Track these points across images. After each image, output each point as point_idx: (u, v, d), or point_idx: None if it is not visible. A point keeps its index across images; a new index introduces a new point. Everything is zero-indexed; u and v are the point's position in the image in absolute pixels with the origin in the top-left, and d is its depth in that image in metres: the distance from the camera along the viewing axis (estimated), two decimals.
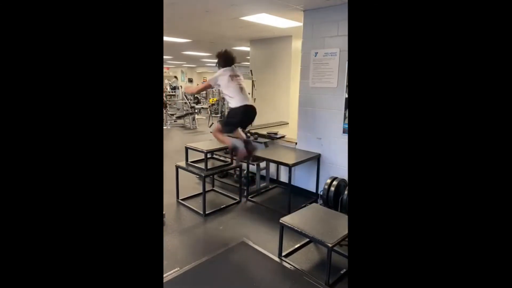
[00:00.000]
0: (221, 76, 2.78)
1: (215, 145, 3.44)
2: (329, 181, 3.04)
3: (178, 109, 10.19)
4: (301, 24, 3.41)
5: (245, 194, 3.60)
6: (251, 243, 2.42)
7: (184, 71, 17.03)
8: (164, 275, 1.99)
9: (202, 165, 3.24)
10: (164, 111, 8.75)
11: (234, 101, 2.74)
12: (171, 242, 2.57)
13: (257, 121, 5.02)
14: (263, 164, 3.83)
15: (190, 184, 3.94)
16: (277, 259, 2.24)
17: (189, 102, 9.29)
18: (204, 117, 9.88)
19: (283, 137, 3.82)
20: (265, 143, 3.80)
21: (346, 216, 2.39)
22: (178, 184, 3.46)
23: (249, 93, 4.79)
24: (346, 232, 2.06)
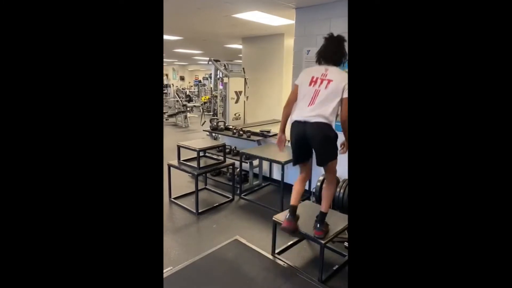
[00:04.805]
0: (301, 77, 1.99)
1: (208, 143, 3.42)
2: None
3: (170, 107, 10.10)
4: (293, 22, 3.41)
5: (238, 192, 3.59)
6: (244, 241, 2.42)
7: (176, 69, 16.88)
8: None
9: (194, 164, 3.22)
10: None
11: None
12: (164, 241, 2.55)
13: (249, 119, 5.05)
14: (256, 162, 3.84)
15: (183, 182, 3.92)
16: (270, 256, 2.25)
17: (181, 100, 9.22)
18: (197, 115, 9.81)
19: (275, 135, 3.82)
20: (258, 141, 3.80)
21: (338, 213, 2.41)
22: (171, 183, 3.43)
23: (240, 92, 4.83)
24: (338, 228, 2.08)
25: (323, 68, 1.94)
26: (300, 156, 2.03)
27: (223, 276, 2.00)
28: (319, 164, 1.98)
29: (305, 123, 1.87)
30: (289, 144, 2.15)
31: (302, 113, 1.89)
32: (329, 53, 1.95)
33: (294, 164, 2.09)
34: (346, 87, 1.82)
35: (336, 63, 1.95)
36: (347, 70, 1.98)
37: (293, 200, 2.05)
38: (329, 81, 1.86)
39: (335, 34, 1.97)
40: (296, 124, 1.93)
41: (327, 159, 1.96)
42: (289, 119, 2.01)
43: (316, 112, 1.85)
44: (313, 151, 1.96)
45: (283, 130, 2.09)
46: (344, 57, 1.96)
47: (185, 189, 3.66)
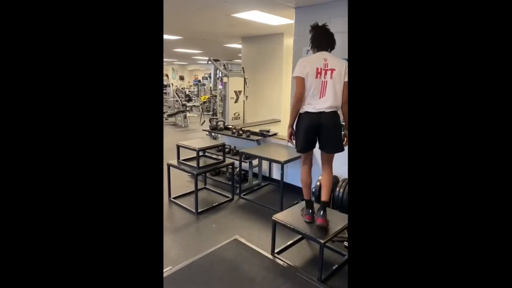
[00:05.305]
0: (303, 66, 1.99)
1: (207, 143, 3.42)
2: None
3: (169, 107, 10.10)
4: (293, 21, 3.41)
5: (238, 191, 3.60)
6: (244, 241, 2.42)
7: (175, 68, 16.86)
8: None
9: (194, 163, 3.22)
10: None
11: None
12: (164, 241, 2.55)
13: (249, 119, 5.05)
14: (255, 162, 3.84)
15: (182, 182, 3.92)
16: (270, 256, 2.25)
17: (181, 100, 9.21)
18: (196, 115, 9.81)
19: (275, 134, 3.83)
20: (257, 140, 3.80)
21: (338, 212, 2.41)
22: (170, 182, 3.43)
23: (240, 91, 4.83)
24: (338, 228, 2.08)
25: (321, 57, 2.00)
26: (309, 144, 2.11)
27: (222, 275, 2.00)
28: (333, 151, 2.12)
29: (320, 113, 1.97)
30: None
31: (315, 105, 1.98)
32: (323, 40, 2.05)
33: (303, 152, 2.17)
34: (346, 71, 1.97)
35: (329, 49, 2.06)
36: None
37: (306, 195, 2.25)
38: (332, 70, 1.97)
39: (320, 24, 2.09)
40: (308, 114, 2.01)
41: (341, 145, 2.07)
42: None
43: (329, 103, 1.97)
44: (324, 139, 2.05)
45: (293, 125, 2.15)
46: (334, 43, 2.08)
47: (185, 189, 3.66)
